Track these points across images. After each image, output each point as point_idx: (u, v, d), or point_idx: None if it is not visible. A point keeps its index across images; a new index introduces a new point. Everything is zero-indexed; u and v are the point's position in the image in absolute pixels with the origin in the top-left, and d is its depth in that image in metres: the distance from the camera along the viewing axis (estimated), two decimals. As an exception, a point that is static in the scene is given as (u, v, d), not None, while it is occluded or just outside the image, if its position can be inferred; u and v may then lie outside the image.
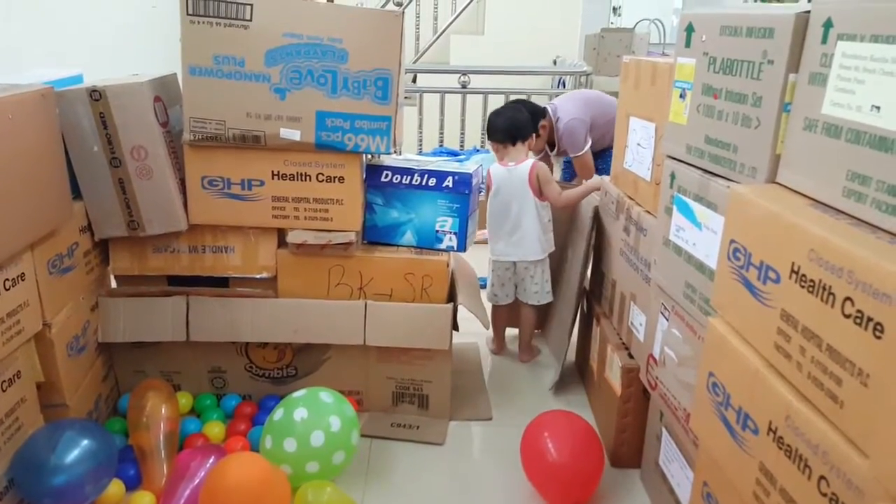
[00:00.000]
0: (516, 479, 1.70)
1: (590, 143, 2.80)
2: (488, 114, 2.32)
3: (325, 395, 1.62)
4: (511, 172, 2.13)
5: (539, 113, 2.75)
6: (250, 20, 1.57)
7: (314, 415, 1.56)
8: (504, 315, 2.32)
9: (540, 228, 2.15)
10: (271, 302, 1.80)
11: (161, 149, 1.62)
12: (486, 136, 2.25)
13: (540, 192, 2.12)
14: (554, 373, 2.15)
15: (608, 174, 2.12)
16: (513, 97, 3.86)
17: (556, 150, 2.90)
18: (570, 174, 3.16)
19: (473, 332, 2.19)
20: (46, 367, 1.52)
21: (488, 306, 2.20)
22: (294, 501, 1.48)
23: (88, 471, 1.40)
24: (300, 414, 1.55)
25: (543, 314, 2.45)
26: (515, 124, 2.17)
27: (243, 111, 1.62)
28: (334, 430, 1.55)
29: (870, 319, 0.77)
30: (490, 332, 2.35)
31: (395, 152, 1.74)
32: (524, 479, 1.67)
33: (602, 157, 2.88)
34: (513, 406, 2.04)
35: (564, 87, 4.42)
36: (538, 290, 2.21)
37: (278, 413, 1.59)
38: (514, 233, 2.16)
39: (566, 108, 2.82)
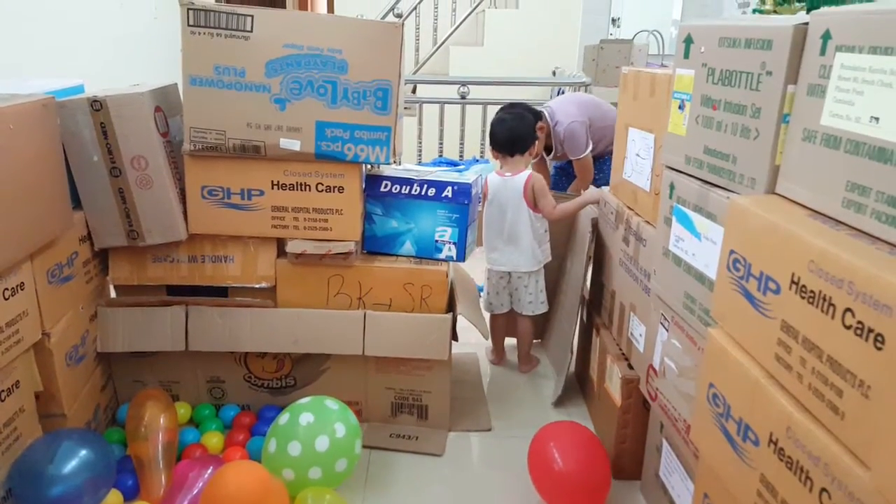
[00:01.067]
0: (515, 490, 1.69)
1: (591, 145, 2.74)
2: (488, 124, 2.31)
3: (331, 403, 1.63)
4: (506, 183, 2.13)
5: (536, 115, 2.73)
6: (251, 31, 1.57)
7: (320, 420, 1.56)
8: (502, 325, 2.31)
9: (534, 240, 2.14)
10: (270, 312, 1.80)
11: (161, 159, 1.63)
12: (489, 141, 2.22)
13: (535, 205, 2.12)
14: (556, 386, 2.15)
15: (605, 183, 2.11)
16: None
17: (552, 153, 2.87)
18: (563, 184, 3.12)
19: (473, 342, 2.19)
20: (45, 377, 1.51)
21: (486, 316, 2.20)
22: (294, 509, 1.47)
23: (86, 481, 1.39)
24: (306, 418, 1.56)
25: (542, 324, 2.45)
26: (516, 135, 2.15)
27: (243, 121, 1.62)
28: (339, 437, 1.55)
29: (870, 330, 0.77)
30: (489, 343, 2.34)
31: (394, 162, 1.75)
32: (523, 489, 1.67)
33: (596, 166, 2.84)
34: (512, 417, 2.04)
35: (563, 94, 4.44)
36: (532, 301, 2.20)
37: (284, 417, 1.59)
38: (508, 243, 2.15)
39: (564, 110, 2.76)
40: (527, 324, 2.26)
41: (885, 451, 0.75)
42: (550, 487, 1.58)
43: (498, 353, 2.36)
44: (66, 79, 1.79)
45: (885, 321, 0.75)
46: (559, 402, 2.10)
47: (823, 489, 0.84)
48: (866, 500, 0.77)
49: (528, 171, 2.15)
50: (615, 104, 1.93)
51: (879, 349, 0.76)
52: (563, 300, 2.33)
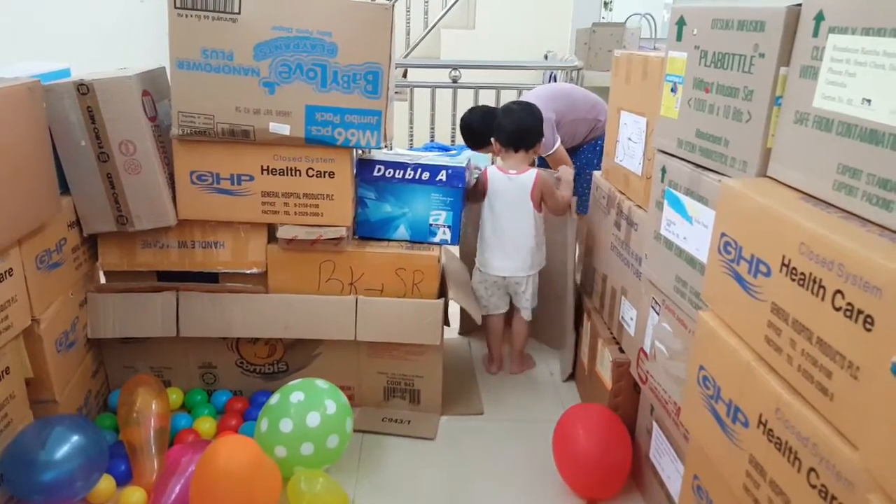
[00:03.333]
0: (507, 473, 1.71)
1: (559, 139, 2.55)
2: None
3: (321, 382, 1.65)
4: (512, 181, 1.97)
5: (491, 114, 2.61)
6: (238, 13, 1.55)
7: (310, 397, 1.58)
8: (499, 328, 2.15)
9: (534, 243, 2.01)
10: (262, 297, 1.80)
11: (149, 143, 1.61)
12: (494, 132, 2.06)
13: (540, 206, 1.99)
14: (562, 363, 2.15)
15: (586, 171, 2.10)
16: (504, 92, 3.85)
17: None
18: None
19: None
20: (35, 363, 1.50)
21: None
22: (287, 490, 1.48)
23: (78, 466, 1.39)
24: (297, 397, 1.57)
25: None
26: (524, 128, 1.99)
27: (232, 105, 1.61)
28: (330, 413, 1.56)
29: (860, 312, 0.77)
30: (484, 352, 2.23)
31: (385, 147, 1.74)
32: (514, 472, 1.68)
33: (574, 156, 2.70)
34: (504, 401, 2.05)
35: (556, 81, 4.42)
36: (527, 306, 2.10)
37: (275, 398, 1.61)
38: (507, 246, 2.01)
39: None
40: (523, 322, 2.14)
41: (873, 431, 0.76)
42: (577, 469, 1.60)
43: (497, 361, 2.19)
44: (52, 62, 1.76)
45: (875, 302, 0.75)
46: (549, 386, 2.10)
47: (812, 469, 0.85)
48: (854, 479, 0.78)
49: (535, 170, 2.00)
50: (606, 90, 1.91)
51: (869, 330, 0.76)
52: (548, 288, 2.29)
